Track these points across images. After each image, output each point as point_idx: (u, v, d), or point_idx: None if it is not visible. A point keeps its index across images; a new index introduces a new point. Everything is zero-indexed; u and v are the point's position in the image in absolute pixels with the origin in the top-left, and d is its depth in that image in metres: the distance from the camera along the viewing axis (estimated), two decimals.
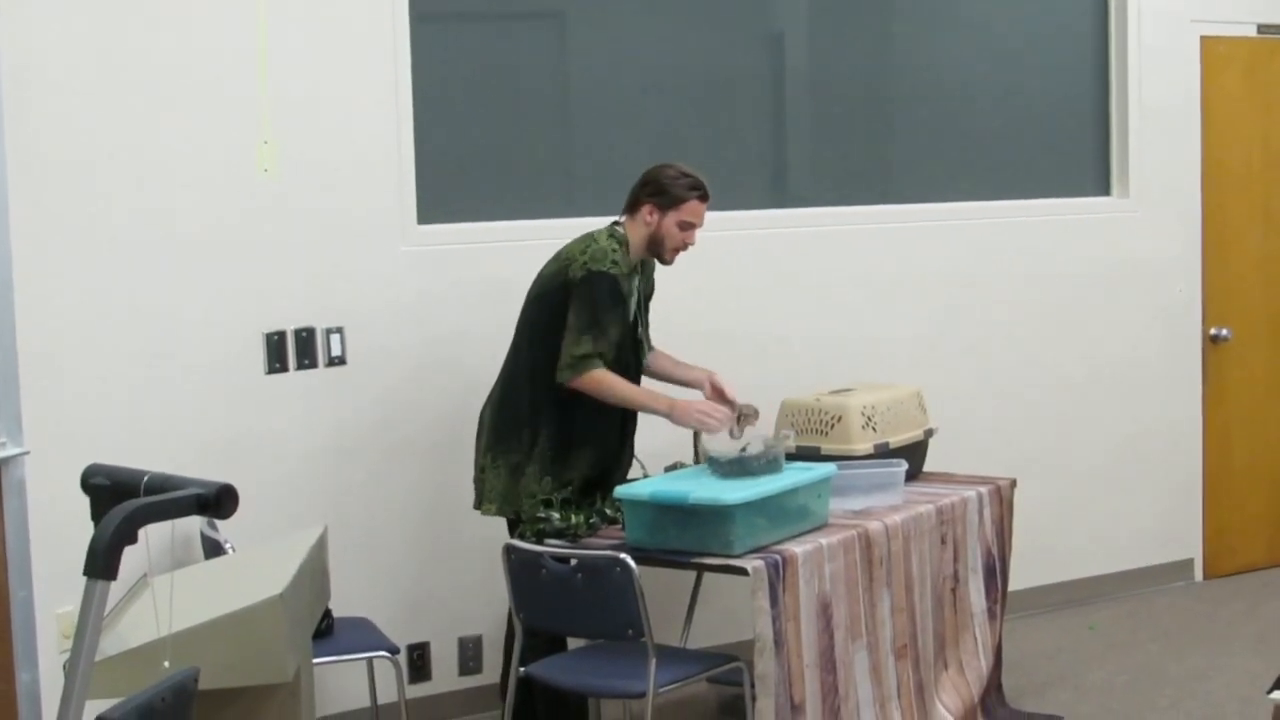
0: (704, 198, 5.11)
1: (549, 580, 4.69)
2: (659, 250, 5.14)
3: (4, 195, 4.84)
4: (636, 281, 5.17)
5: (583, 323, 4.94)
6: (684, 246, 5.15)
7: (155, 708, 2.73)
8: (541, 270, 5.12)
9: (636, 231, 5.11)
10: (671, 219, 5.08)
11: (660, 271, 5.49)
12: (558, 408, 5.02)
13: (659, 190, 5.08)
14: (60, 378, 4.98)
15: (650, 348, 5.35)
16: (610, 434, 5.11)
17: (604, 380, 4.95)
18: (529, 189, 5.66)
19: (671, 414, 5.04)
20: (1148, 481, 7.23)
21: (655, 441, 5.50)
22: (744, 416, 5.24)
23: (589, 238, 5.06)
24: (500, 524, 5.13)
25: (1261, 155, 7.46)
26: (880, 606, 5.00)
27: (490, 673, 5.76)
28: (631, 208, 5.13)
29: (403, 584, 5.67)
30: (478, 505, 5.15)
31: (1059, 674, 6.13)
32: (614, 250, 4.99)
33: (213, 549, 4.82)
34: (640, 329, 5.24)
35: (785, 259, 6.35)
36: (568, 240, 5.19)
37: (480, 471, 5.14)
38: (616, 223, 5.14)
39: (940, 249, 6.70)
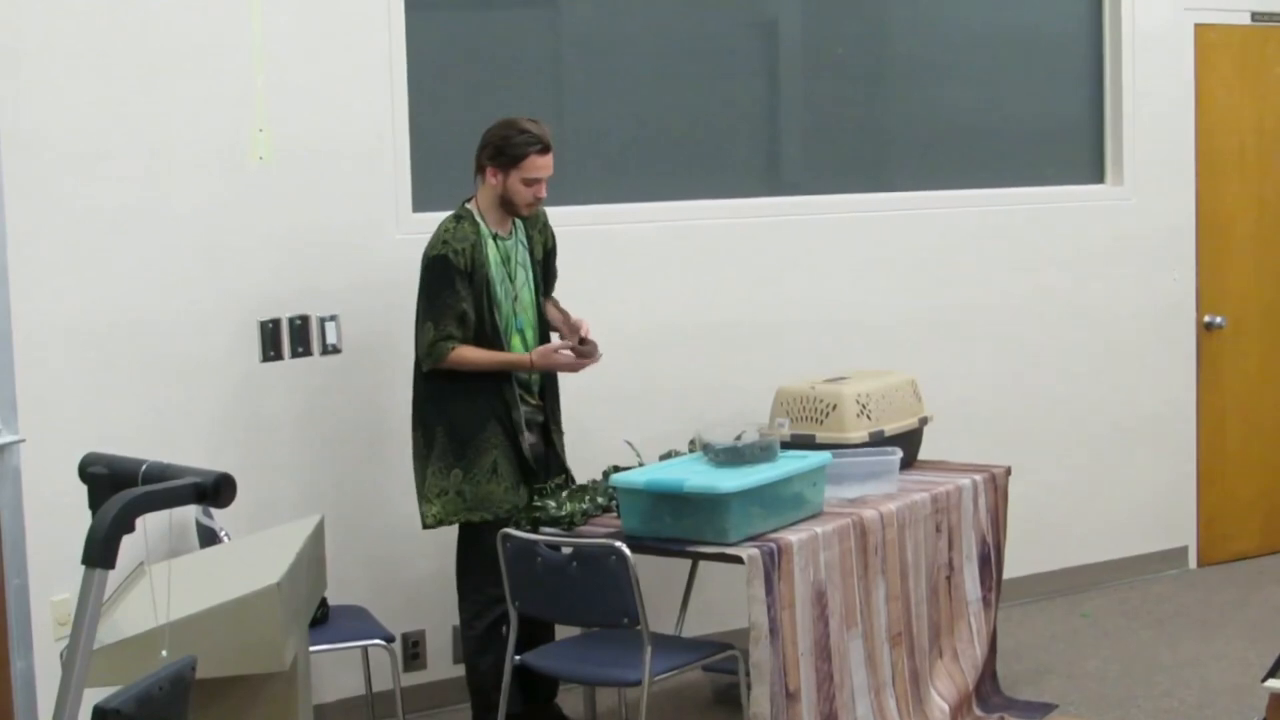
0: (543, 150, 5.06)
1: (544, 569, 4.69)
2: (512, 209, 5.12)
3: None
4: (515, 243, 5.16)
5: (422, 310, 5.03)
6: (536, 201, 5.12)
7: (153, 696, 2.73)
8: None
9: (486, 195, 5.11)
10: (515, 177, 5.05)
11: (652, 259, 5.48)
12: (441, 398, 5.06)
13: (497, 151, 5.05)
14: (55, 365, 4.97)
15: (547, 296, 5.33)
16: (499, 406, 5.07)
17: (462, 357, 4.99)
18: None
19: (534, 364, 5.07)
20: (1142, 469, 7.24)
21: (650, 430, 5.50)
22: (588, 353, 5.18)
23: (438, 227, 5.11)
24: None
25: (1255, 143, 7.46)
26: (875, 595, 5.00)
27: None
28: (478, 171, 5.12)
29: (398, 572, 5.66)
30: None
31: (1053, 662, 6.14)
32: (446, 230, 5.04)
33: (208, 537, 4.82)
34: (514, 289, 5.17)
35: (779, 247, 6.34)
36: (561, 227, 5.32)
37: None
38: (468, 200, 5.16)
39: (935, 237, 6.69)
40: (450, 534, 5.34)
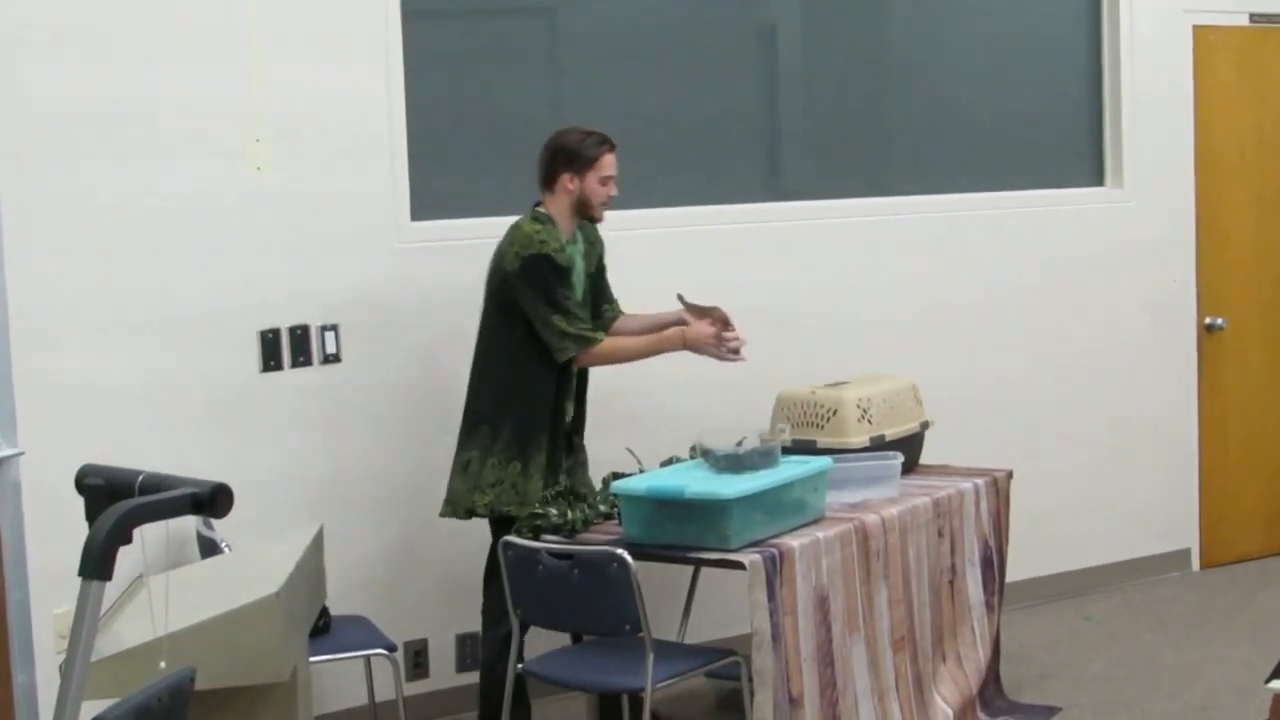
0: (613, 148, 5.18)
1: (546, 576, 4.69)
2: (589, 212, 5.17)
3: None
4: (578, 250, 5.21)
5: (546, 307, 5.02)
6: (609, 200, 5.20)
7: (152, 708, 2.72)
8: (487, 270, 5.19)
9: (560, 202, 5.16)
10: (592, 179, 5.13)
11: (656, 266, 5.50)
12: (512, 396, 5.07)
13: (572, 157, 5.13)
14: (54, 377, 4.97)
15: (618, 312, 5.41)
16: (560, 406, 5.13)
17: (608, 350, 5.12)
18: (521, 185, 5.63)
19: (685, 344, 5.23)
20: (1144, 472, 7.23)
21: (651, 437, 5.49)
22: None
23: (513, 227, 5.12)
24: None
25: (1254, 144, 7.46)
26: (877, 599, 4.99)
27: None
28: (548, 182, 5.17)
29: (400, 581, 5.66)
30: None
31: (1057, 665, 6.13)
32: (537, 231, 5.07)
33: (209, 548, 4.81)
34: (592, 295, 5.29)
35: (779, 252, 6.34)
36: None
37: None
38: (537, 204, 5.18)
39: (934, 241, 6.69)
40: (455, 543, 5.36)
